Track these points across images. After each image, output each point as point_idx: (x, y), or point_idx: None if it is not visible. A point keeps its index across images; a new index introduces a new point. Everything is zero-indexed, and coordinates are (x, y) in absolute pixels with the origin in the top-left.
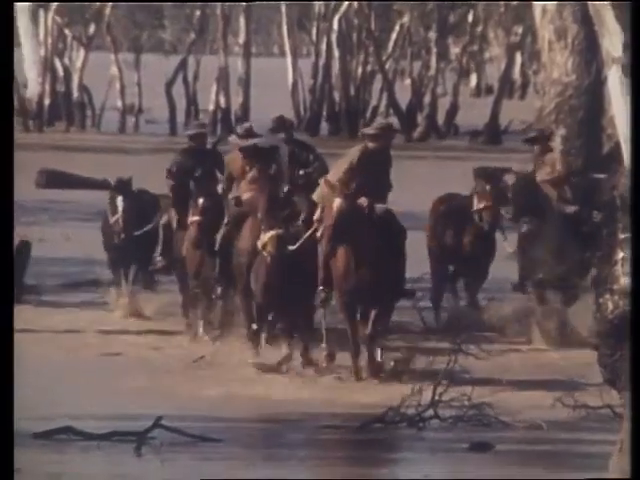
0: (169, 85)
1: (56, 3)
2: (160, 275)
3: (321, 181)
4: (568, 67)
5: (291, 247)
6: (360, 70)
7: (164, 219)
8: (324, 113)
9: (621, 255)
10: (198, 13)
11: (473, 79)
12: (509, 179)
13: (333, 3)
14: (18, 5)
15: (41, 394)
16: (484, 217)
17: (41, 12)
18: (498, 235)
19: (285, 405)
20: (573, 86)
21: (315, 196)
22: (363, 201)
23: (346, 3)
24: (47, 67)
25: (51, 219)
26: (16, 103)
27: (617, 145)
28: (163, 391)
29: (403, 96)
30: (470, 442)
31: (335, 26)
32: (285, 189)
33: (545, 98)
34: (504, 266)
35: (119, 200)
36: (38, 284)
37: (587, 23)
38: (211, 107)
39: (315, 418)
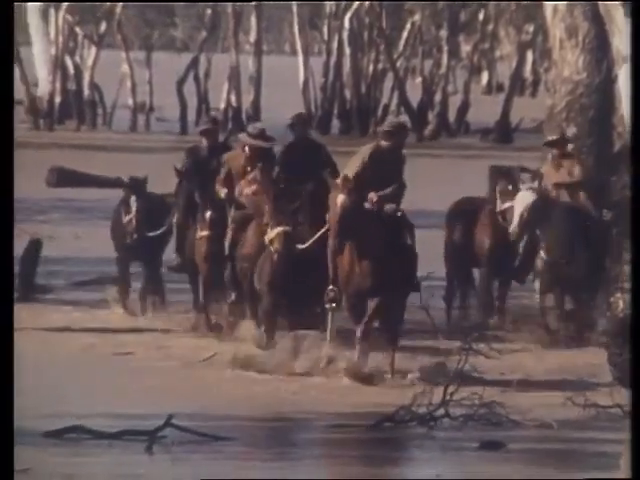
0: (180, 83)
1: (66, 2)
2: (173, 273)
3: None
4: (579, 65)
5: (300, 246)
6: (371, 68)
7: (178, 217)
8: (335, 111)
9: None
10: (209, 11)
11: (484, 77)
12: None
13: (344, 2)
14: (29, 4)
15: (51, 393)
16: (507, 217)
17: (52, 11)
18: None
19: (295, 404)
20: (584, 84)
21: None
22: (372, 196)
23: (357, 2)
24: (58, 65)
25: (61, 217)
26: (27, 101)
27: (627, 143)
28: (173, 390)
29: (414, 94)
30: (481, 441)
31: (346, 24)
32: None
33: (556, 96)
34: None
35: (133, 200)
36: (48, 282)
37: (598, 22)
38: (222, 105)
39: (326, 417)
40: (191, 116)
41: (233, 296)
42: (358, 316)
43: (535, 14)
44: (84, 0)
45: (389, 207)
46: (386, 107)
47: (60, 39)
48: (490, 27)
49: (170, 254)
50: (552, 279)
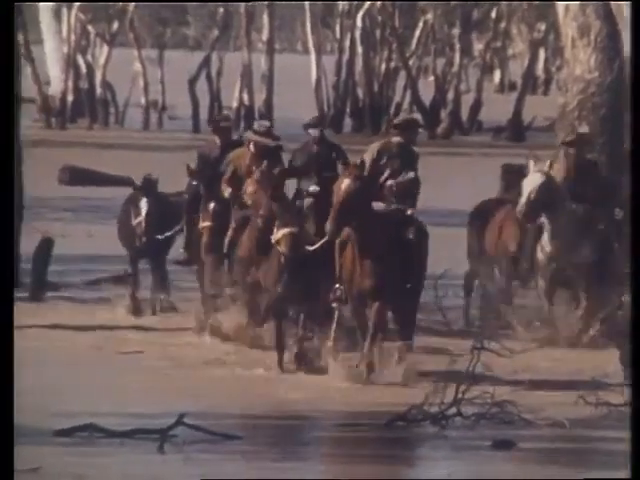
0: (192, 82)
1: (78, 2)
2: (181, 267)
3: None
4: (591, 64)
5: (309, 247)
6: (384, 67)
7: (186, 214)
8: (347, 110)
9: None
10: (222, 10)
11: (496, 75)
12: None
13: (356, 1)
14: (41, 4)
15: (62, 391)
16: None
17: (64, 9)
18: None
19: (307, 403)
20: (596, 83)
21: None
22: (392, 183)
23: (370, 1)
24: (70, 64)
25: (74, 216)
26: (39, 100)
27: None
28: (182, 389)
29: (427, 93)
30: (493, 440)
31: (359, 23)
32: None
33: (568, 95)
34: None
35: (143, 202)
36: (60, 281)
37: (610, 20)
38: (234, 104)
39: (337, 416)
40: (203, 114)
41: (228, 292)
42: (362, 323)
43: (547, 12)
44: (97, 0)
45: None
46: (398, 105)
47: (72, 37)
48: (502, 25)
49: (177, 250)
50: (557, 277)
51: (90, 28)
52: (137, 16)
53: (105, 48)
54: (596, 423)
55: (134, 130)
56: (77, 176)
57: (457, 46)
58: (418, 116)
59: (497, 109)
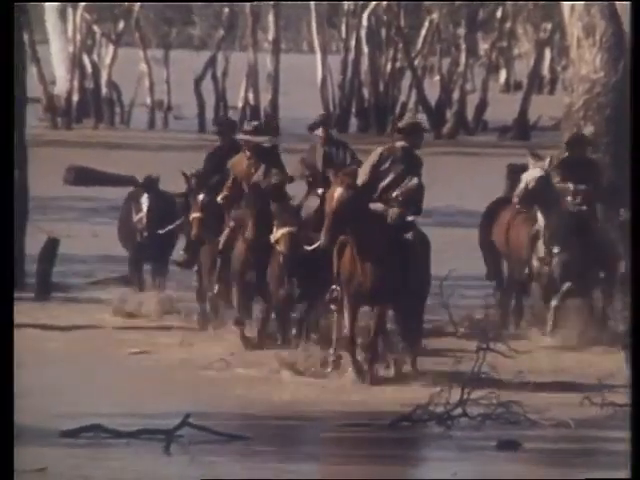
0: (198, 82)
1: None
2: (180, 269)
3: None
4: (596, 64)
5: (308, 247)
6: (389, 66)
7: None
8: (353, 109)
9: None
10: (227, 9)
11: (502, 75)
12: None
13: (362, 1)
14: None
15: (66, 392)
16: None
17: (70, 9)
18: None
19: (312, 404)
20: (601, 83)
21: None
22: (398, 194)
23: (375, 0)
24: (76, 64)
25: (79, 216)
26: (44, 100)
27: None
28: (188, 389)
29: (432, 92)
30: (498, 440)
31: (364, 22)
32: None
33: (574, 95)
34: None
35: (144, 198)
36: (65, 281)
37: (615, 20)
38: (240, 104)
39: (342, 416)
40: (209, 114)
41: (216, 288)
42: (355, 317)
43: (553, 12)
44: (103, 0)
45: (393, 212)
46: (404, 105)
47: (78, 37)
48: (508, 25)
49: (177, 252)
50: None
51: (96, 28)
52: (143, 16)
53: (111, 48)
54: (601, 423)
55: (140, 130)
56: (82, 176)
57: (463, 46)
58: (423, 116)
59: (503, 109)
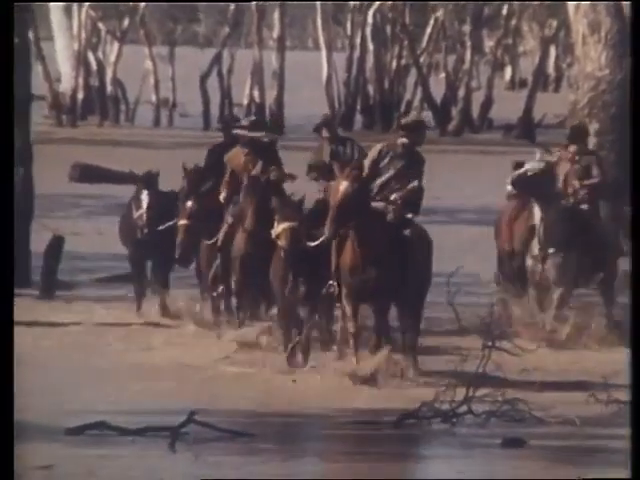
0: (203, 79)
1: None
2: (179, 267)
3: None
4: (601, 62)
5: (311, 243)
6: (394, 64)
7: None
8: (358, 107)
9: None
10: (232, 7)
11: (507, 72)
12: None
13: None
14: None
15: (71, 389)
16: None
17: (75, 6)
18: None
19: (317, 401)
20: (606, 81)
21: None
22: (396, 197)
23: None
24: (81, 61)
25: (84, 213)
26: (49, 97)
27: None
28: (192, 388)
29: (437, 90)
30: (503, 437)
31: (370, 20)
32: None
33: (579, 92)
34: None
35: (144, 195)
36: (71, 279)
37: (620, 18)
38: (245, 101)
39: (347, 414)
40: (214, 112)
41: (220, 289)
42: (355, 313)
43: (558, 9)
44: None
45: (392, 210)
46: (409, 103)
47: (83, 34)
48: (513, 22)
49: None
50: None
51: (101, 25)
52: (148, 13)
53: (116, 45)
54: (607, 421)
55: (145, 127)
56: (88, 173)
57: (468, 43)
58: (429, 114)
59: (508, 106)
